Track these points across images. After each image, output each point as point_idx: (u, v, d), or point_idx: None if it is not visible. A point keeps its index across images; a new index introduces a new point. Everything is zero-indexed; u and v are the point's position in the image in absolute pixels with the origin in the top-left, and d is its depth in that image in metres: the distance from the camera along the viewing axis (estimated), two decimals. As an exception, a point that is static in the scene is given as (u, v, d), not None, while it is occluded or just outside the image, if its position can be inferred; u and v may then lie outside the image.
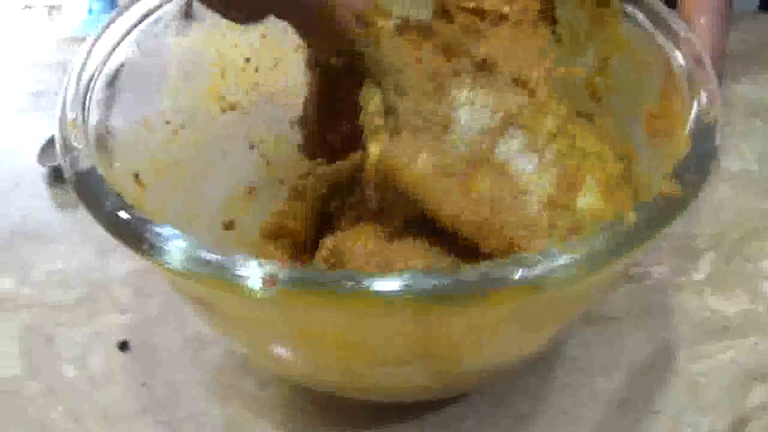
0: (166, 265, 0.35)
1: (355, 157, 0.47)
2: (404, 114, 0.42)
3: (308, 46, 0.45)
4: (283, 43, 0.53)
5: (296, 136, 0.50)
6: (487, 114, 0.42)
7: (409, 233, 0.41)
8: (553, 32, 0.47)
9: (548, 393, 0.50)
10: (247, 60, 0.53)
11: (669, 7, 0.48)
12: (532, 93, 0.43)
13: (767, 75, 0.72)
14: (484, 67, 0.44)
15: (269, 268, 0.33)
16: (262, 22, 0.40)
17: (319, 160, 0.50)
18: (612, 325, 0.53)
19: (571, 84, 0.45)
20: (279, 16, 0.40)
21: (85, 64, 0.45)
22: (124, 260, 0.57)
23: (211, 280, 0.34)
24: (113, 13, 0.49)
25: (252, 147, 0.54)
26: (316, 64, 0.46)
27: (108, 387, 0.51)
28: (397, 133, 0.42)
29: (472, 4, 0.46)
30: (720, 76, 0.45)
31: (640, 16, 0.46)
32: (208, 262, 0.34)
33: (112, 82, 0.45)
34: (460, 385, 0.48)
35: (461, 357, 0.40)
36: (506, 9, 0.46)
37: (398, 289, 0.32)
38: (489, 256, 0.40)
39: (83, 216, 0.38)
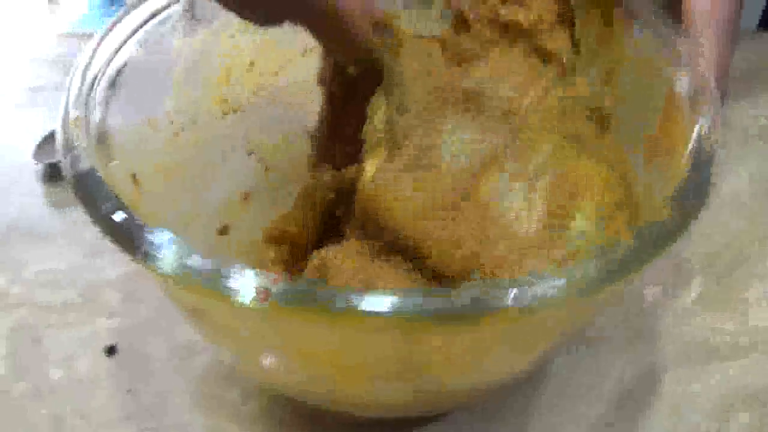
0: (159, 271, 0.35)
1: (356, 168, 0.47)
2: (401, 132, 0.42)
3: (327, 53, 0.45)
4: (287, 47, 0.53)
5: (297, 141, 0.50)
6: (477, 145, 0.42)
7: (394, 251, 0.41)
8: (573, 43, 0.47)
9: (533, 412, 0.50)
10: (252, 63, 0.53)
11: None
12: (522, 120, 0.43)
13: (766, 96, 0.72)
14: (472, 97, 0.44)
15: (262, 281, 0.33)
16: (279, 25, 0.41)
17: (325, 166, 0.50)
18: (599, 346, 0.53)
19: (569, 105, 0.45)
20: (297, 22, 0.40)
21: (90, 62, 0.45)
22: (115, 263, 0.56)
23: (203, 290, 0.34)
24: (120, 11, 0.49)
25: (251, 152, 0.54)
26: (334, 74, 0.47)
27: (93, 392, 0.50)
28: (398, 148, 0.42)
29: (491, 13, 0.46)
30: (723, 96, 0.45)
31: (645, 35, 0.46)
32: (200, 272, 0.34)
33: (116, 81, 0.45)
34: (444, 403, 0.48)
35: (449, 375, 0.40)
36: (521, 17, 0.46)
37: (390, 309, 0.32)
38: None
39: (77, 216, 0.38)
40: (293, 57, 0.53)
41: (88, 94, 0.43)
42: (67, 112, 0.42)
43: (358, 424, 0.48)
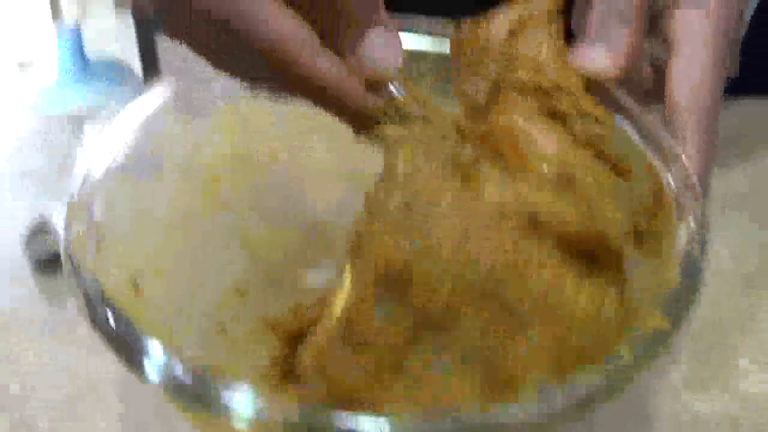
0: (151, 384, 0.36)
1: None
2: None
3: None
4: (280, 140, 0.54)
5: (291, 235, 0.50)
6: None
7: None
8: None
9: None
10: (243, 158, 0.54)
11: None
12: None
13: (741, 166, 0.73)
14: None
15: (255, 404, 0.34)
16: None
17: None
18: (583, 430, 0.54)
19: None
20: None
21: (88, 171, 0.46)
22: (114, 360, 0.56)
23: (196, 413, 0.35)
24: (112, 110, 0.50)
25: (245, 248, 0.54)
26: None
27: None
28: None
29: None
30: (705, 193, 0.46)
31: (632, 132, 0.47)
32: (195, 396, 0.35)
33: (113, 184, 0.46)
34: None
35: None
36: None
37: None
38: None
39: (73, 309, 0.39)
40: (285, 150, 0.54)
41: (89, 200, 0.44)
42: (68, 228, 0.42)
43: None
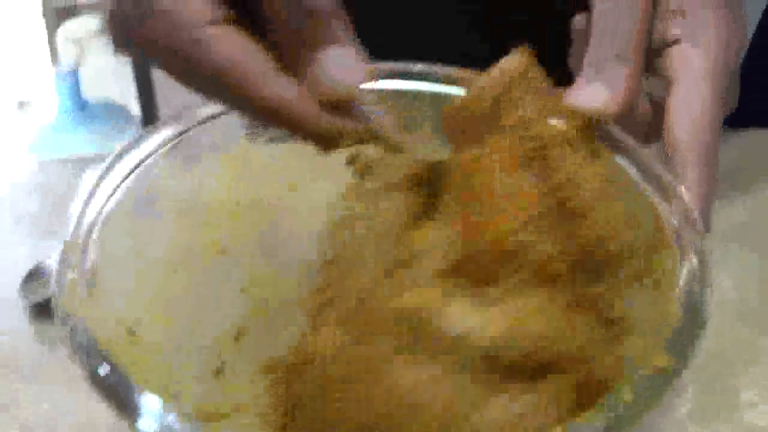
0: None
1: None
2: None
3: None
4: (279, 181, 0.54)
5: (289, 277, 0.50)
6: None
7: None
8: None
9: None
10: (238, 203, 0.53)
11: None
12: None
13: (742, 198, 0.73)
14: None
15: None
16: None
17: None
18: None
19: None
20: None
21: (81, 217, 0.45)
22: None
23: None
24: (108, 159, 0.49)
25: (243, 290, 0.54)
26: None
27: None
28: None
29: None
30: (706, 228, 0.46)
31: (631, 169, 0.47)
32: None
33: (107, 229, 0.46)
34: None
35: None
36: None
37: None
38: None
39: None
40: (285, 191, 0.54)
41: (83, 247, 0.44)
42: (60, 275, 0.42)
43: None
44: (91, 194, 0.46)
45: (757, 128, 0.84)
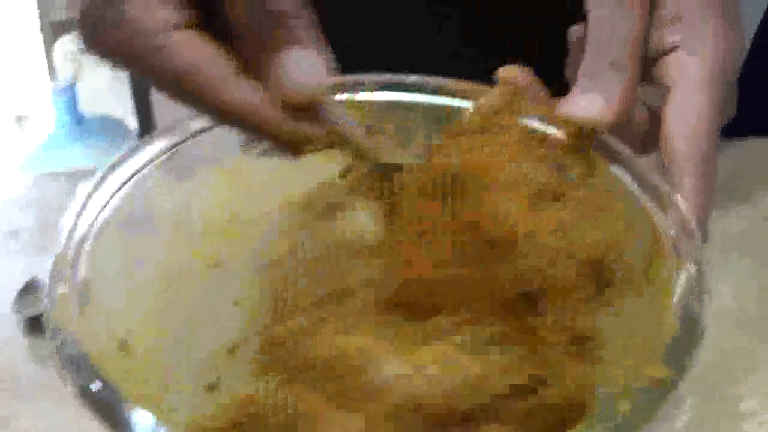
0: None
1: None
2: None
3: None
4: (273, 196, 0.54)
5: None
6: None
7: None
8: None
9: None
10: (232, 217, 0.53)
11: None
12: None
13: (740, 207, 0.73)
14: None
15: None
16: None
17: None
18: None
19: None
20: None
21: (73, 229, 0.45)
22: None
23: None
24: (101, 171, 0.49)
25: (237, 303, 0.53)
26: None
27: None
28: None
29: None
30: (704, 239, 0.46)
31: (627, 179, 0.47)
32: None
33: (99, 244, 0.45)
34: None
35: None
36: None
37: None
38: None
39: None
40: (275, 206, 0.54)
41: (74, 259, 0.44)
42: (52, 288, 0.42)
43: None
44: (83, 207, 0.46)
45: (754, 137, 0.84)
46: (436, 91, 0.54)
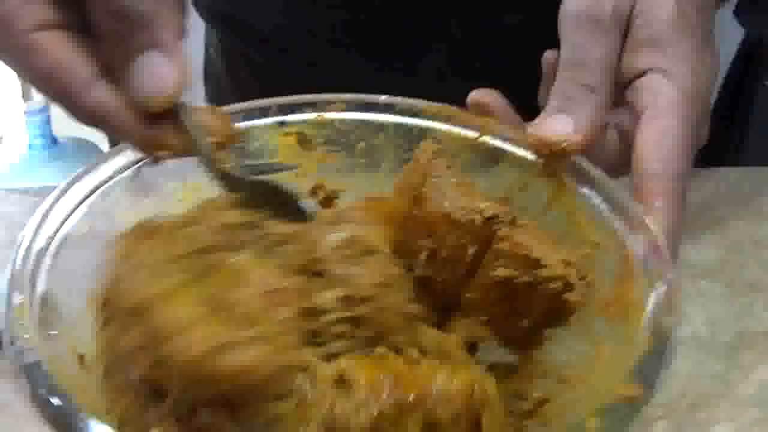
0: None
1: None
2: None
3: None
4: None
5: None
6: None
7: None
8: None
9: None
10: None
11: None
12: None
13: (711, 235, 0.73)
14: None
15: None
16: None
17: None
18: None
19: None
20: None
21: (33, 237, 0.44)
22: None
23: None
24: (63, 183, 0.48)
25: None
26: None
27: None
28: None
29: None
30: (674, 257, 0.45)
31: (597, 199, 0.47)
32: None
33: (60, 254, 0.45)
34: None
35: None
36: None
37: None
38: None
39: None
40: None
41: (33, 274, 0.43)
42: (9, 297, 0.41)
43: None
44: (43, 220, 0.45)
45: (729, 166, 0.84)
46: (406, 112, 0.53)
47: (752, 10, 0.92)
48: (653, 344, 0.38)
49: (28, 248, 0.43)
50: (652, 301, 0.40)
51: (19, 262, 0.43)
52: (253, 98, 0.54)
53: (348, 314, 0.43)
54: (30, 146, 2.04)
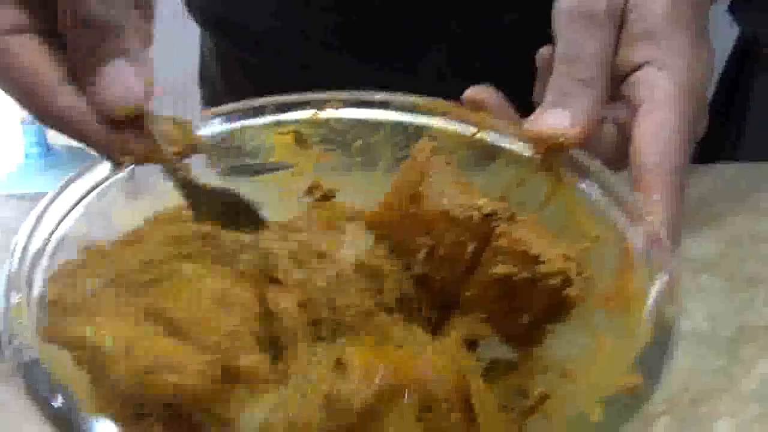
0: None
1: None
2: None
3: None
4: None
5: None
6: None
7: None
8: None
9: None
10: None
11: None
12: None
13: (709, 230, 0.73)
14: None
15: None
16: None
17: None
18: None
19: None
20: None
21: (30, 237, 0.44)
22: None
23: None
24: (59, 185, 0.48)
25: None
26: None
27: None
28: None
29: None
30: (675, 248, 0.45)
31: (596, 192, 0.47)
32: None
33: (57, 255, 0.44)
34: None
35: None
36: None
37: None
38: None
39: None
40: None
41: (30, 274, 0.42)
42: (7, 297, 0.41)
43: None
44: (39, 221, 0.45)
45: (727, 162, 0.84)
46: (402, 108, 0.53)
47: (747, 8, 0.92)
48: (655, 334, 0.38)
49: (25, 249, 0.43)
50: (654, 291, 0.40)
51: (15, 263, 0.42)
52: None
53: (306, 317, 0.43)
54: (26, 155, 2.04)
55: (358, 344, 0.42)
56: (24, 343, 0.38)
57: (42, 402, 0.36)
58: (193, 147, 0.47)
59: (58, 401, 0.36)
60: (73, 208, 0.47)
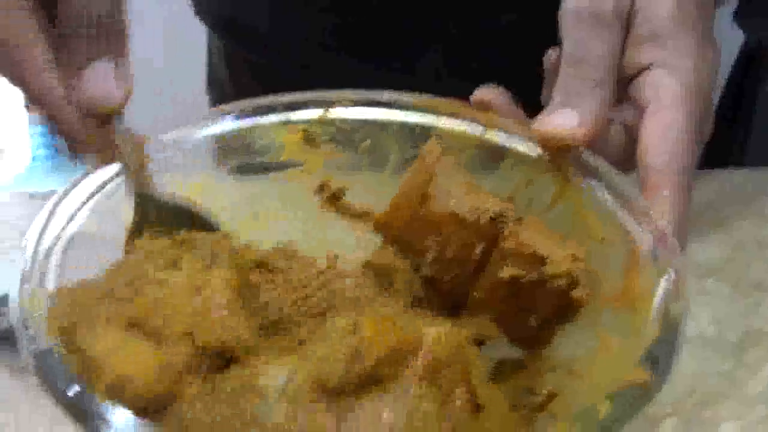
0: None
1: None
2: None
3: None
4: (234, 215, 0.53)
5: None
6: None
7: None
8: None
9: None
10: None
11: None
12: None
13: (715, 235, 0.73)
14: None
15: None
16: None
17: None
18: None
19: None
20: None
21: (42, 232, 0.44)
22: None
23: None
24: (68, 184, 0.48)
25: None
26: None
27: None
28: None
29: None
30: (681, 248, 0.45)
31: (603, 193, 0.47)
32: None
33: (68, 250, 0.45)
34: None
35: None
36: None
37: None
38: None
39: (34, 382, 0.38)
40: (246, 223, 0.53)
41: (42, 269, 0.43)
42: (22, 288, 0.41)
43: None
44: (49, 219, 0.45)
45: (730, 168, 0.84)
46: (410, 108, 0.53)
47: (752, 14, 0.92)
48: (662, 331, 0.38)
49: (36, 246, 0.43)
50: (660, 289, 0.40)
51: (28, 259, 0.43)
52: None
53: (298, 305, 0.43)
54: (33, 157, 2.05)
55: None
56: (39, 331, 0.38)
57: (57, 390, 0.36)
58: (140, 165, 0.48)
59: (73, 390, 0.36)
60: (82, 206, 0.47)
